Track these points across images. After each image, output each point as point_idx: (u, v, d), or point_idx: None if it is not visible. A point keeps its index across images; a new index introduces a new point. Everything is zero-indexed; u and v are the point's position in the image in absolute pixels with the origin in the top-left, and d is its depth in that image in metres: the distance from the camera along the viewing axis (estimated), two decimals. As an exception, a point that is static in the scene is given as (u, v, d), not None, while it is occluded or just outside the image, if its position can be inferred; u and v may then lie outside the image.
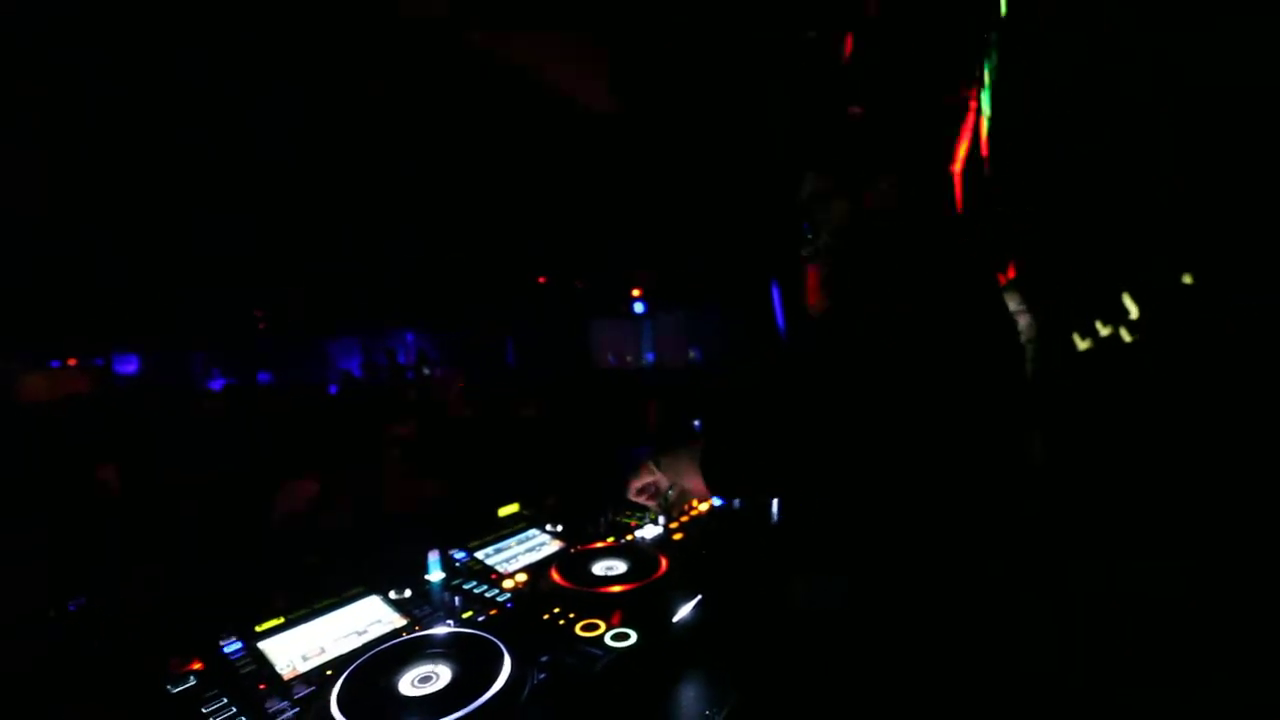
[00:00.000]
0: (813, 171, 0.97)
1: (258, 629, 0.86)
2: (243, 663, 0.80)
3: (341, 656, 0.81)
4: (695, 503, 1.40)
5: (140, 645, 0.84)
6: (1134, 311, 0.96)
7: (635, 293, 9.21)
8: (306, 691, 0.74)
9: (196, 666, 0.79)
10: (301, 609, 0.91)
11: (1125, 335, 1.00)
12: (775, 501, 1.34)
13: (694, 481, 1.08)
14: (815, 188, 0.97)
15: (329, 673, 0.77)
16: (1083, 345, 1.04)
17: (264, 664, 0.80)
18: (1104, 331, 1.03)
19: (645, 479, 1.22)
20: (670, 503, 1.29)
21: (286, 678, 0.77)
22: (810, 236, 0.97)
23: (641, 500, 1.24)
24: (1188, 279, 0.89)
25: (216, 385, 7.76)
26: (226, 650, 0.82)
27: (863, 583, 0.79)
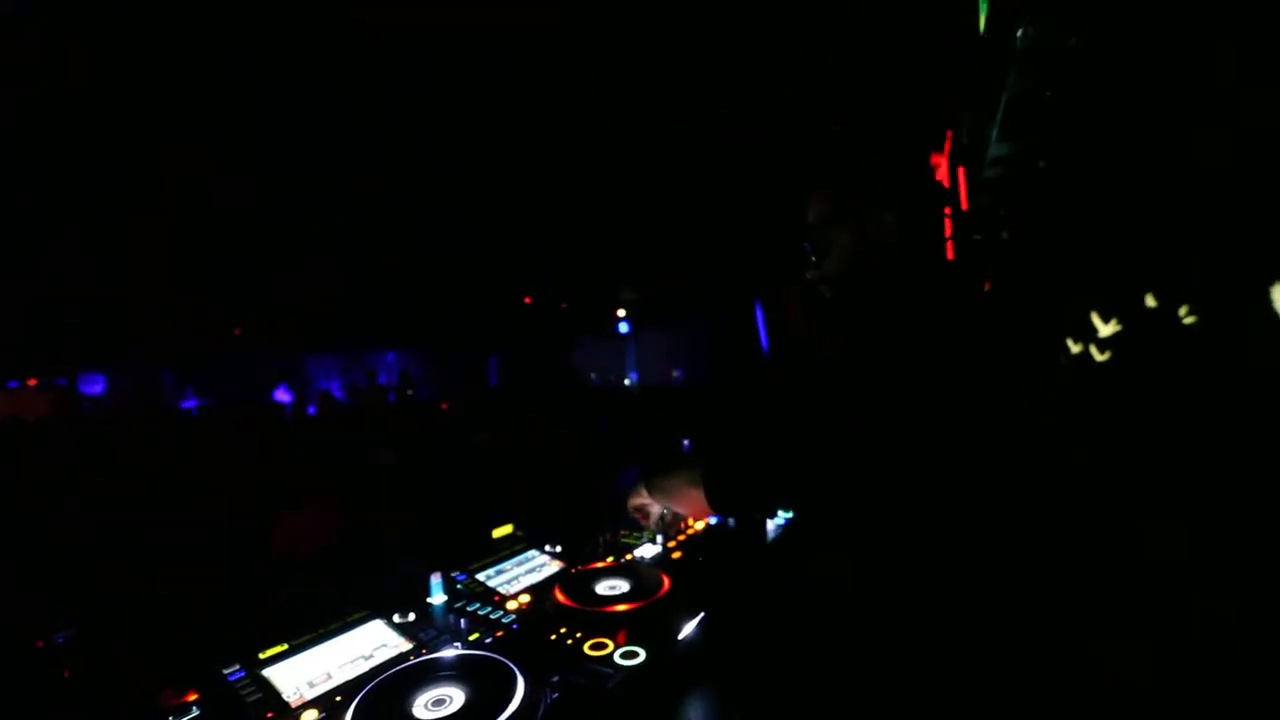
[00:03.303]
0: (817, 195, 1.02)
1: (261, 656, 0.85)
2: (247, 691, 0.79)
3: (349, 682, 0.81)
4: (691, 521, 1.42)
5: (137, 676, 0.82)
6: (1103, 330, 1.02)
7: (620, 312, 9.28)
8: (319, 718, 0.73)
9: (196, 697, 0.77)
10: (305, 634, 0.90)
11: (1096, 354, 1.06)
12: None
13: (686, 505, 1.11)
14: (819, 212, 1.01)
15: (338, 699, 0.77)
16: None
17: (270, 692, 0.79)
18: (1075, 349, 1.09)
19: (637, 501, 1.25)
20: (666, 524, 1.31)
21: (294, 705, 0.76)
22: (815, 260, 1.02)
23: (636, 518, 1.27)
24: (1151, 300, 0.96)
25: (189, 405, 7.51)
26: (230, 679, 0.81)
27: (869, 569, 0.82)
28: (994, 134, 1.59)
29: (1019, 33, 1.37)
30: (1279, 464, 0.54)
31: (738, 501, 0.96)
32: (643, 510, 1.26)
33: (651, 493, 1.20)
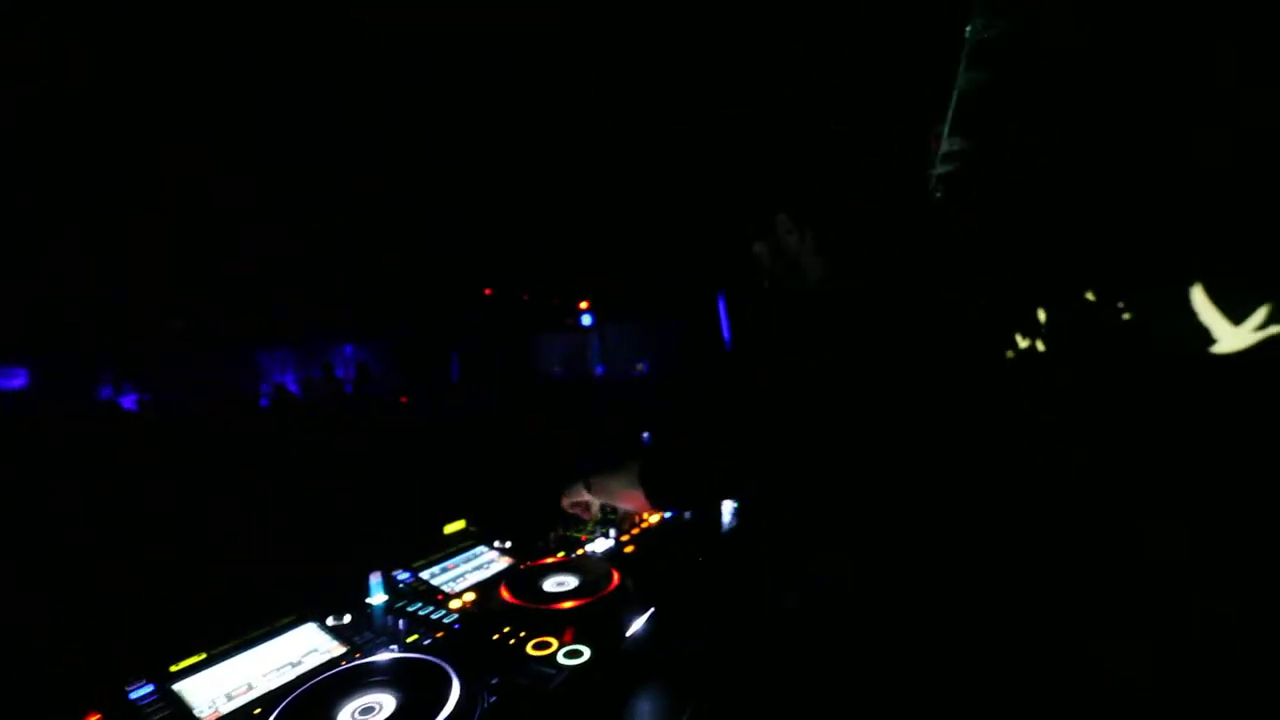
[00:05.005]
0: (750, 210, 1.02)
1: (173, 669, 0.78)
2: (154, 709, 0.72)
3: (272, 692, 0.75)
4: (645, 515, 1.40)
5: (30, 697, 0.75)
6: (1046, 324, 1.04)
7: (582, 305, 9.17)
8: (231, 734, 0.68)
9: (96, 718, 0.71)
10: (227, 642, 0.84)
11: (1040, 345, 1.09)
12: (730, 508, 1.37)
13: (628, 501, 1.10)
14: (750, 229, 1.02)
15: (257, 711, 0.71)
16: (1008, 354, 1.12)
17: (180, 709, 0.72)
18: (1023, 344, 1.11)
19: (576, 497, 1.23)
20: (621, 518, 1.29)
21: (207, 721, 0.70)
22: (760, 271, 1.02)
23: (576, 513, 1.25)
24: (1090, 295, 0.98)
25: (127, 401, 7.07)
26: (134, 696, 0.74)
27: (860, 576, 0.81)
28: (945, 130, 1.60)
29: (968, 28, 1.38)
30: (1272, 465, 0.54)
31: (675, 496, 0.96)
32: (582, 506, 1.24)
33: (592, 491, 1.18)
